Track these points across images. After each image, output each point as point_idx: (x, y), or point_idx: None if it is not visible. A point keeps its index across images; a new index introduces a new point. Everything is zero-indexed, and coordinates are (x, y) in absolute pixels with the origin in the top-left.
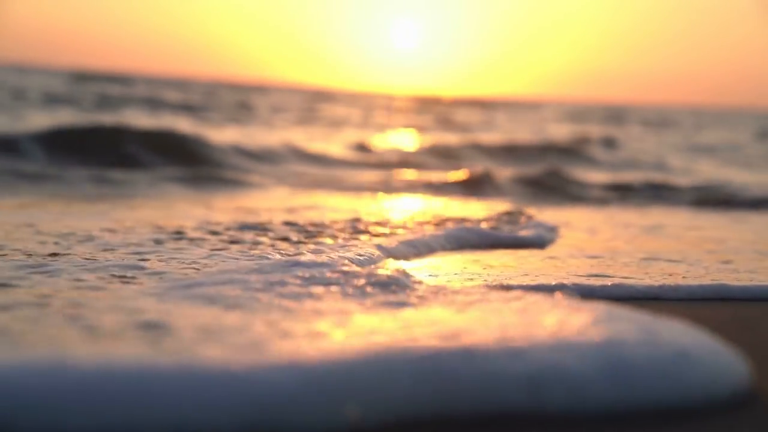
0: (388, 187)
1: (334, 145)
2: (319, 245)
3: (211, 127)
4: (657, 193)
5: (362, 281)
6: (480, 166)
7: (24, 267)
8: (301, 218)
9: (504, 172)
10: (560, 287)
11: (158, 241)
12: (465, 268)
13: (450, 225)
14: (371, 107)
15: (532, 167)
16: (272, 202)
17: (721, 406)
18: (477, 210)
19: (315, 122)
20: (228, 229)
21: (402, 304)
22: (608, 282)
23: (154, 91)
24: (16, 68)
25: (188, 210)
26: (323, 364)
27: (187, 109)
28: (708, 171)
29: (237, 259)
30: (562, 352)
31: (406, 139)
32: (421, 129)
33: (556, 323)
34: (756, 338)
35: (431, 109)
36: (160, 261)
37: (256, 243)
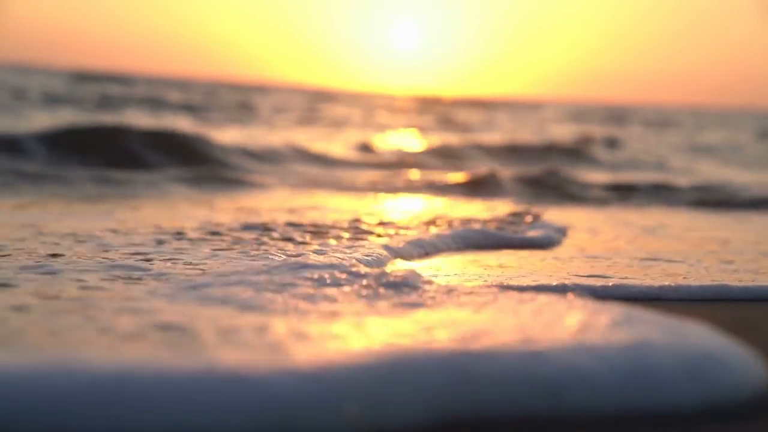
0: (392, 188)
1: (336, 145)
2: (326, 246)
3: (212, 128)
4: (658, 194)
5: (374, 282)
6: (483, 166)
7: (27, 268)
8: (304, 218)
9: (508, 173)
10: (573, 288)
11: (161, 242)
12: (474, 268)
13: (456, 225)
14: (372, 107)
15: (535, 167)
16: (275, 202)
17: (744, 408)
18: (482, 210)
19: (316, 122)
20: (231, 229)
21: (416, 305)
22: (609, 282)
23: (155, 91)
24: (16, 68)
25: (190, 210)
26: (348, 368)
27: (188, 109)
28: (709, 171)
29: (242, 259)
30: (585, 355)
31: (407, 140)
32: (422, 129)
33: (576, 325)
34: (757, 339)
35: (432, 109)
36: (164, 261)
37: (261, 243)
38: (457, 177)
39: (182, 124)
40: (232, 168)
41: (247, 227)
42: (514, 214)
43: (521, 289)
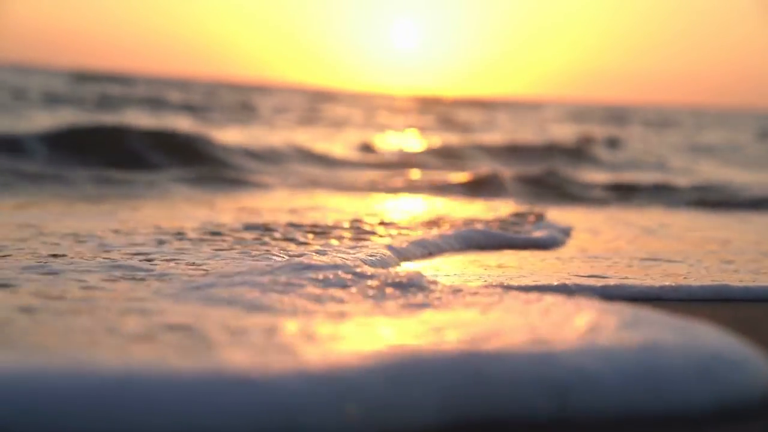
0: (393, 188)
1: (337, 145)
2: (328, 246)
3: (213, 128)
4: (658, 194)
5: (380, 283)
6: (484, 166)
7: (28, 268)
8: (306, 219)
9: (508, 173)
10: (574, 288)
11: (162, 242)
12: (478, 268)
13: (459, 225)
14: (373, 107)
15: (536, 167)
16: (276, 202)
17: (755, 408)
18: (484, 210)
19: (317, 122)
20: (233, 229)
21: (423, 306)
22: (610, 282)
23: (155, 91)
24: (17, 68)
25: (191, 210)
26: (359, 369)
27: (189, 109)
28: (709, 171)
29: (244, 260)
30: (595, 356)
31: (408, 140)
32: (422, 129)
33: (585, 326)
34: (758, 339)
35: (432, 109)
36: (166, 262)
37: (262, 244)
38: (459, 177)
39: (183, 124)
40: (233, 168)
41: (249, 227)
42: (517, 215)
43: (523, 289)
